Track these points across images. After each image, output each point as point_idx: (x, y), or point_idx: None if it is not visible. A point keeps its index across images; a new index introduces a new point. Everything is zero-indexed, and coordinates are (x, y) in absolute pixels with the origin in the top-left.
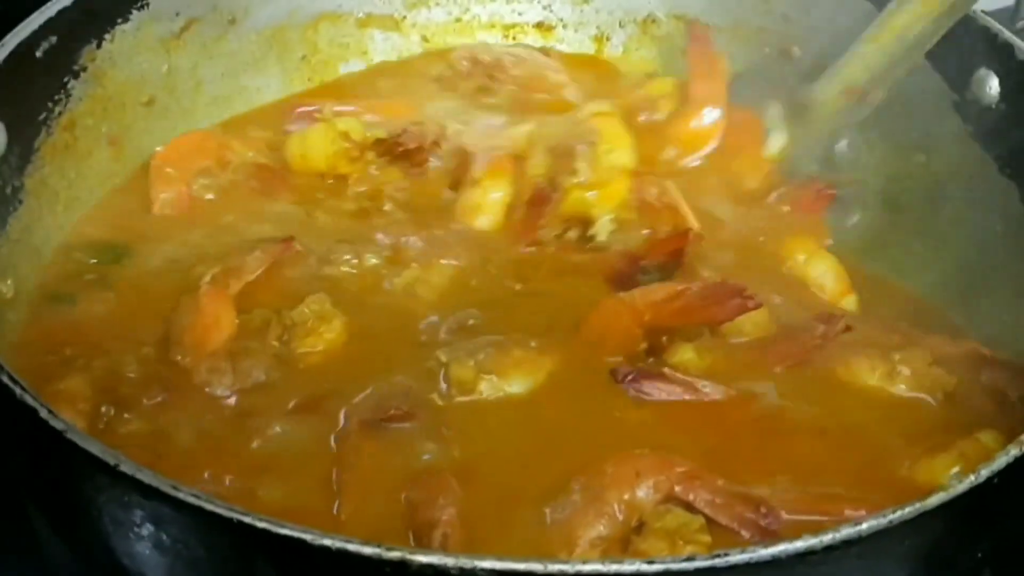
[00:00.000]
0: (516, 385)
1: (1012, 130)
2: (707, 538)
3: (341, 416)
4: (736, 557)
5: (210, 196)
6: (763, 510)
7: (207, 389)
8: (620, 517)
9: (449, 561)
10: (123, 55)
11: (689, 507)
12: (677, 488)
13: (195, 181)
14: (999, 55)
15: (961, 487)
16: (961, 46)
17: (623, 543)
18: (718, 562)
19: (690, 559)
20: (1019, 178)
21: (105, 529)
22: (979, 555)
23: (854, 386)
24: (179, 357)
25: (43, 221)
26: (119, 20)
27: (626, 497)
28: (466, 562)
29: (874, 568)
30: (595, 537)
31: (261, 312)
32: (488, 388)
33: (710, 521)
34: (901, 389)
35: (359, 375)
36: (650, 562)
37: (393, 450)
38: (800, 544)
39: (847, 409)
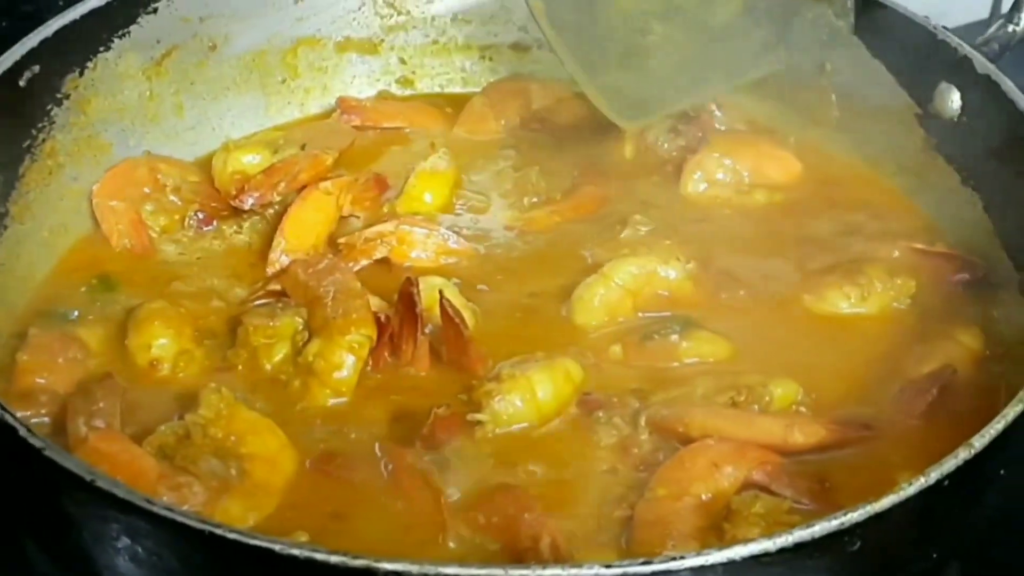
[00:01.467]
0: None
1: (974, 143)
2: (797, 518)
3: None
4: (690, 560)
5: (162, 220)
6: (827, 484)
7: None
8: (709, 507)
9: (413, 569)
10: (105, 82)
11: (766, 490)
12: (755, 473)
13: (142, 208)
14: (960, 69)
15: (911, 489)
16: (923, 61)
17: (716, 532)
18: (673, 565)
19: (647, 562)
20: (981, 190)
21: (85, 543)
22: (934, 555)
23: (832, 316)
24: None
25: (28, 247)
26: (101, 48)
27: (711, 487)
28: (429, 569)
29: (828, 569)
30: (692, 529)
31: (161, 430)
32: None
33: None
34: (873, 307)
35: None
36: (607, 566)
37: None
38: (753, 547)
39: (833, 338)
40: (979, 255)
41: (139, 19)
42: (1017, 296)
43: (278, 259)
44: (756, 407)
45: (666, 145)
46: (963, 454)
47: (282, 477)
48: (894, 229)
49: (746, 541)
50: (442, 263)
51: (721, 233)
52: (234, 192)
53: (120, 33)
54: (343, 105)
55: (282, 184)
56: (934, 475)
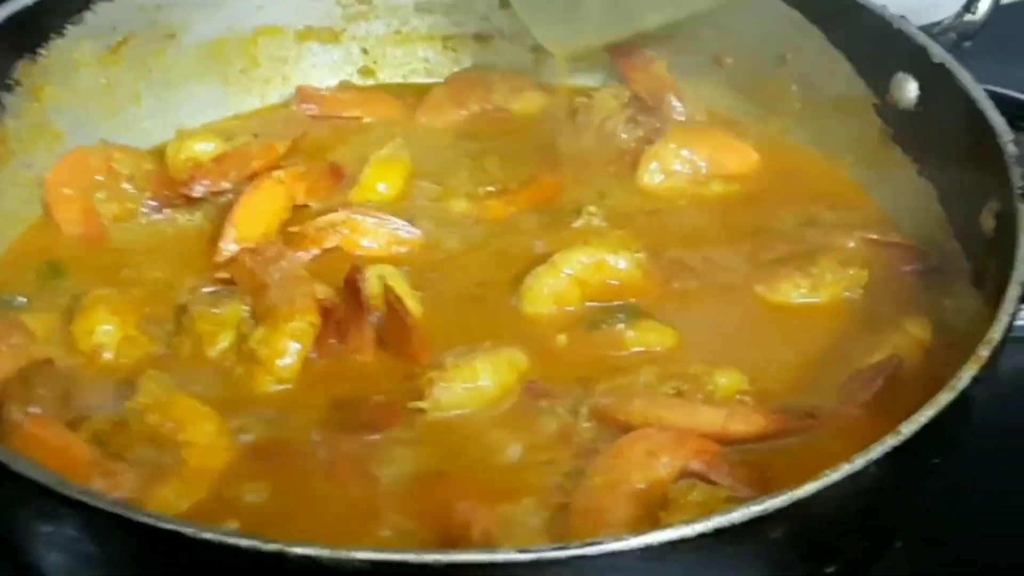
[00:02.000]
0: None
1: (930, 133)
2: (733, 507)
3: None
4: (607, 546)
5: (114, 207)
6: (767, 473)
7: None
8: (646, 496)
9: (324, 553)
10: (59, 70)
11: (705, 479)
12: (693, 462)
13: (94, 196)
14: (916, 58)
15: (835, 475)
16: (881, 50)
17: (652, 521)
18: (588, 551)
19: (561, 547)
20: (936, 180)
21: (7, 527)
22: (866, 544)
23: (783, 305)
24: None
25: None
26: (53, 35)
27: (647, 475)
28: (342, 553)
29: (751, 556)
30: (628, 517)
31: (97, 416)
32: None
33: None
34: (825, 297)
35: None
36: (522, 551)
37: None
38: (671, 532)
39: (783, 328)
40: (933, 246)
41: (94, 6)
42: (968, 286)
43: (227, 247)
44: (700, 396)
45: (624, 135)
46: (891, 441)
47: (218, 464)
48: (850, 220)
49: (664, 527)
50: (394, 252)
51: (675, 223)
52: (185, 179)
53: (74, 20)
54: (302, 94)
55: (233, 172)
56: (860, 462)
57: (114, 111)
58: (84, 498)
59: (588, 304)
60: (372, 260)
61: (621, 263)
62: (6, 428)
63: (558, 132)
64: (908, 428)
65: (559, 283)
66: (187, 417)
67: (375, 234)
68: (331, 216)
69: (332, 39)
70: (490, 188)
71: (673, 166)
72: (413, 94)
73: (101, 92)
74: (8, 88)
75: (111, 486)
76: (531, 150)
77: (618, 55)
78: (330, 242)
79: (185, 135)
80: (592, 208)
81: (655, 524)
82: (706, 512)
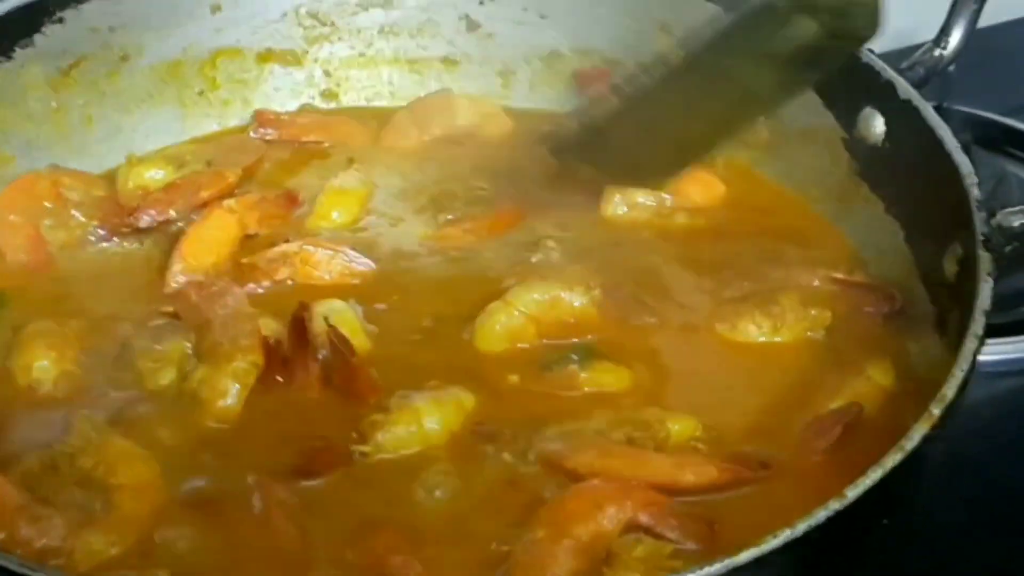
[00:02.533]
0: None
1: (896, 170)
2: (678, 563)
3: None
4: None
5: (61, 235)
6: (715, 525)
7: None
8: (589, 550)
9: None
10: (7, 92)
11: (651, 532)
12: (640, 515)
13: (41, 224)
14: (883, 94)
15: (776, 542)
16: (848, 83)
17: None
18: None
19: None
20: (902, 218)
21: None
22: None
23: (744, 345)
24: None
25: None
26: (1, 58)
27: (591, 529)
28: None
29: None
30: (569, 573)
31: (28, 457)
32: None
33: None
34: (786, 337)
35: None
36: None
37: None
38: None
39: (742, 369)
40: (898, 286)
41: (43, 28)
42: (932, 331)
43: (174, 279)
44: (652, 444)
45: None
46: (835, 505)
47: (150, 509)
48: (815, 257)
49: None
50: (347, 283)
51: (636, 257)
52: (132, 209)
53: (22, 42)
54: (259, 118)
55: (181, 201)
56: (801, 527)
57: (65, 135)
58: None
59: (544, 341)
60: (324, 292)
61: (577, 300)
62: None
63: (522, 160)
64: (853, 492)
65: (513, 320)
66: (120, 460)
67: (328, 266)
68: (284, 247)
69: (294, 61)
70: (449, 216)
71: (637, 198)
72: (376, 118)
73: (52, 115)
74: None
75: (38, 533)
76: (494, 177)
77: (584, 81)
78: (281, 274)
79: (135, 161)
80: (551, 242)
81: None
82: (650, 568)
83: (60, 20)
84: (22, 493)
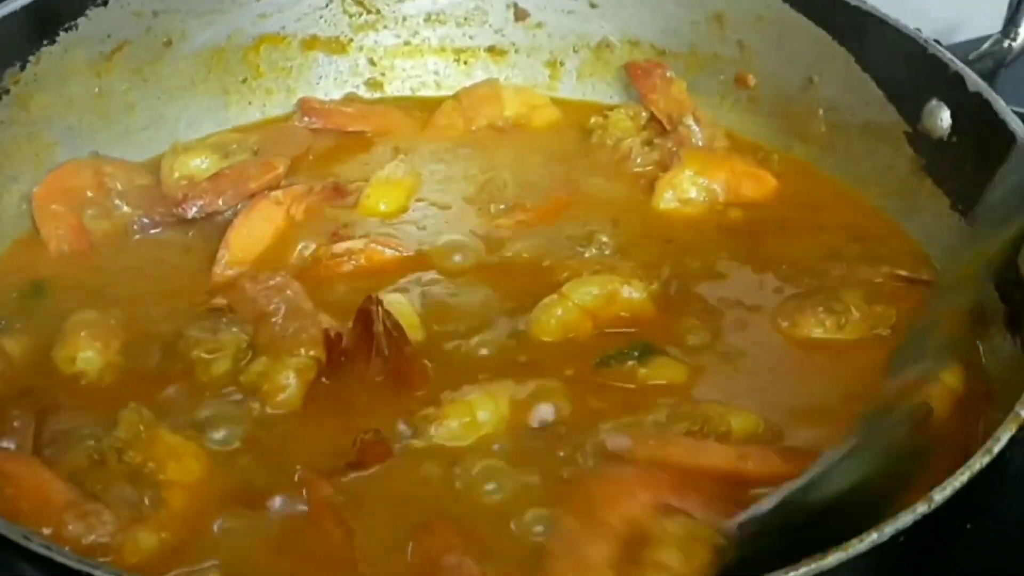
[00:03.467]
0: None
1: (963, 164)
2: (720, 539)
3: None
4: None
5: (104, 224)
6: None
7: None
8: (622, 535)
9: None
10: (50, 78)
11: (682, 513)
12: (669, 498)
13: (83, 213)
14: (950, 87)
15: (861, 546)
16: (913, 76)
17: (633, 560)
18: None
19: None
20: (969, 214)
21: None
22: None
23: (807, 341)
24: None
25: None
26: (45, 42)
27: (621, 513)
28: None
29: None
30: (605, 560)
31: (75, 451)
32: None
33: None
34: (851, 334)
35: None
36: None
37: None
38: None
39: (807, 365)
40: (967, 284)
41: (87, 12)
42: (1003, 330)
43: (222, 271)
44: (712, 437)
45: (640, 159)
46: (921, 508)
47: (200, 504)
48: (877, 253)
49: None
50: (402, 281)
51: (691, 252)
52: (179, 199)
53: (66, 26)
54: (304, 107)
55: (229, 192)
56: (888, 530)
57: (108, 122)
58: (45, 552)
59: (602, 331)
60: (379, 282)
61: (634, 294)
62: None
63: (571, 151)
64: (940, 495)
65: (569, 314)
66: (169, 455)
67: (389, 263)
68: (350, 244)
69: (339, 49)
70: (501, 206)
71: (689, 193)
72: (421, 108)
73: (94, 102)
74: None
75: (86, 528)
76: (543, 168)
77: (636, 74)
78: (344, 269)
79: (180, 150)
80: (604, 237)
81: (637, 563)
82: (689, 542)
83: (104, 3)
84: (70, 488)
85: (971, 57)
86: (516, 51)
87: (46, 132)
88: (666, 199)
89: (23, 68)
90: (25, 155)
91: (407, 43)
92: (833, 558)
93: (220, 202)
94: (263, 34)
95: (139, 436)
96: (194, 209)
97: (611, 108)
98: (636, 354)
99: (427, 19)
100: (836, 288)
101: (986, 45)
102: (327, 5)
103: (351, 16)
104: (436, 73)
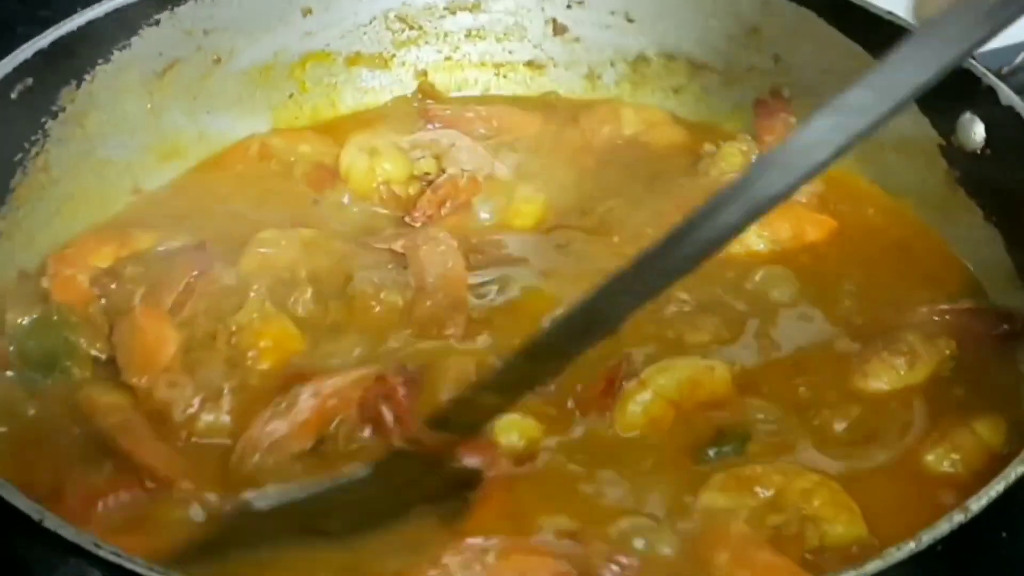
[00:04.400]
0: None
1: (997, 177)
2: None
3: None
4: None
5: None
6: None
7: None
8: None
9: None
10: (104, 95)
11: None
12: None
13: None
14: (984, 99)
15: (900, 554)
16: (946, 89)
17: None
18: None
19: None
20: (1003, 227)
21: None
22: None
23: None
24: (134, 380)
25: (14, 263)
26: (100, 61)
27: None
28: None
29: None
30: None
31: (203, 321)
32: None
33: None
34: (921, 375)
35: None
36: None
37: None
38: None
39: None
40: (1003, 299)
41: (140, 31)
42: None
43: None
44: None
45: None
46: (958, 517)
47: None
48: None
49: None
50: None
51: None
52: (411, 210)
53: (120, 45)
54: (426, 114)
55: (448, 203)
56: (926, 539)
57: (160, 135)
58: (114, 559)
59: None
60: None
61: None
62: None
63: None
64: (976, 504)
65: (651, 405)
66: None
67: None
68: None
69: (382, 64)
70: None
71: (757, 246)
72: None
73: (146, 119)
74: (53, 115)
75: (170, 399)
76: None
77: (761, 112)
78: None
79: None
80: (684, 296)
81: None
82: None
83: (156, 23)
84: (176, 357)
85: (1005, 71)
86: (554, 65)
87: (101, 149)
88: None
89: (79, 87)
90: (81, 170)
91: (448, 58)
92: (872, 566)
93: (441, 212)
94: (309, 51)
95: (253, 326)
96: (421, 220)
97: (728, 138)
98: (729, 449)
99: (468, 34)
100: (895, 330)
101: (1020, 58)
102: (371, 22)
103: (394, 32)
104: (476, 83)
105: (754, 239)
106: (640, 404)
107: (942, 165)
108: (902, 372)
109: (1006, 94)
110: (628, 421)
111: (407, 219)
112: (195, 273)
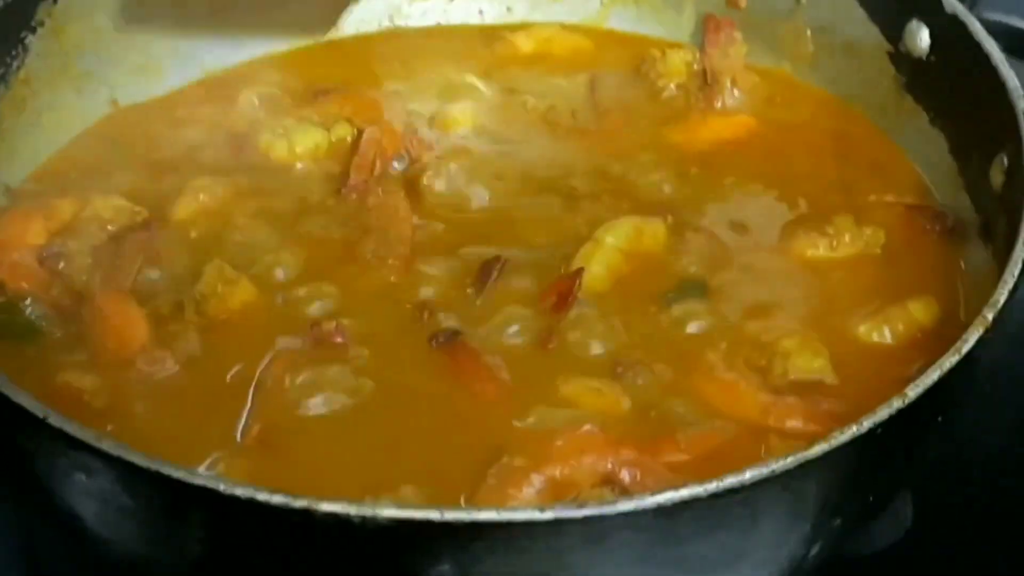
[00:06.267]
0: None
1: (942, 83)
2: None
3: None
4: (622, 506)
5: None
6: None
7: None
8: (556, 490)
9: (351, 510)
10: (80, 9)
11: (625, 491)
12: (621, 472)
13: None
14: (929, 6)
15: (843, 437)
16: None
17: None
18: (607, 510)
19: (582, 506)
20: (947, 131)
21: (42, 479)
22: (870, 498)
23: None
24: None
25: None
26: None
27: (566, 473)
28: (367, 510)
29: (758, 516)
30: (527, 504)
31: (165, 296)
32: None
33: None
34: (842, 253)
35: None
36: (542, 509)
37: None
38: (685, 492)
39: (798, 281)
40: (945, 198)
41: None
42: (978, 241)
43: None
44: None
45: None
46: (897, 403)
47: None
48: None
49: (677, 487)
50: None
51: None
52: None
53: None
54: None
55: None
56: (866, 424)
57: (133, 52)
58: (116, 451)
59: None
60: None
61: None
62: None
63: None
64: (913, 391)
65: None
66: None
67: None
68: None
69: None
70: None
71: None
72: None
73: (118, 33)
74: (32, 30)
75: (150, 372)
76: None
77: (709, 27)
78: None
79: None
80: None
81: None
82: None
83: None
84: (148, 332)
85: None
86: None
87: (77, 62)
88: None
89: (55, 2)
90: (60, 83)
91: None
92: (817, 448)
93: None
94: None
95: (216, 291)
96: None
97: (675, 46)
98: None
99: None
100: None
101: None
102: None
103: None
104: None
105: None
106: (600, 263)
107: (890, 71)
108: (819, 248)
109: (950, 2)
110: (595, 285)
111: (343, 191)
112: (146, 251)
